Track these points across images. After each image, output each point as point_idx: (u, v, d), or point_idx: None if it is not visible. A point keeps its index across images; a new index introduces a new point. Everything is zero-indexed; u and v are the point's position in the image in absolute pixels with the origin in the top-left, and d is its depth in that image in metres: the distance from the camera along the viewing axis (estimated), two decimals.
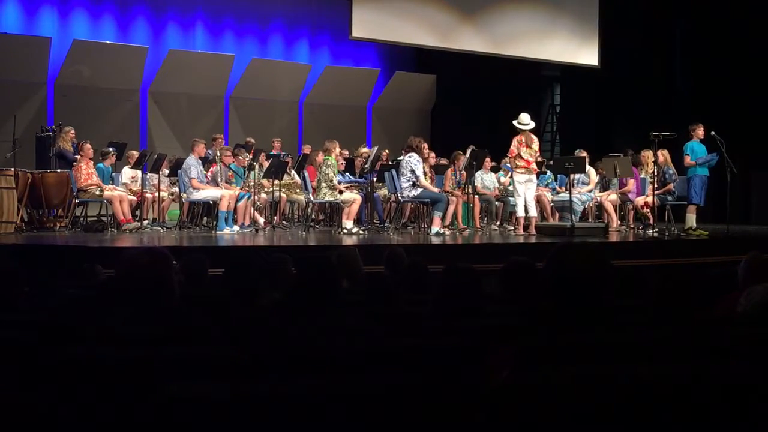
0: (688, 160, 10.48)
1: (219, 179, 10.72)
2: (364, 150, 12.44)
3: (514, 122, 10.35)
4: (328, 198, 10.42)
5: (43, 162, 10.90)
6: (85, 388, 2.19)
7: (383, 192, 11.66)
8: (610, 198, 11.55)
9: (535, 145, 10.38)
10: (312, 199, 10.72)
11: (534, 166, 10.41)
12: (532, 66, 16.67)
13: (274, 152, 12.65)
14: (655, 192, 10.54)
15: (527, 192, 10.29)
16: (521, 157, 10.20)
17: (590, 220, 12.04)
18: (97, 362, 2.29)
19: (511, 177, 10.76)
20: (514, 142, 10.23)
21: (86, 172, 10.25)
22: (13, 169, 9.54)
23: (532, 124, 10.44)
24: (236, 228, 10.16)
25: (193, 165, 10.33)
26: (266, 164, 11.16)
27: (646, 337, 2.69)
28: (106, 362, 2.30)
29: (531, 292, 3.66)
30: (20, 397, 1.89)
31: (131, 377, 2.23)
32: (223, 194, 10.08)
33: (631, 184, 11.45)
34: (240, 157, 11.16)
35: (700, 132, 10.56)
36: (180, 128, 14.54)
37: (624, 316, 3.23)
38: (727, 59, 14.12)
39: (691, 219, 10.51)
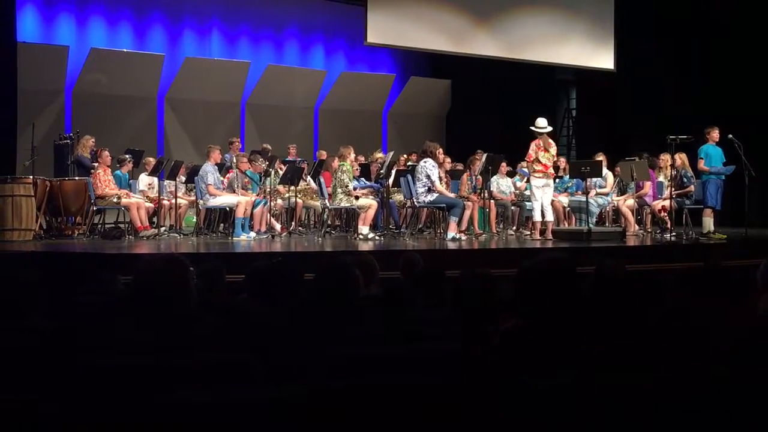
0: (702, 164, 10.43)
1: (235, 186, 10.76)
2: (379, 155, 12.44)
3: (531, 127, 10.32)
4: (344, 204, 10.43)
5: (61, 170, 10.98)
6: (99, 394, 2.20)
7: (399, 197, 11.66)
8: (627, 203, 11.46)
9: (553, 150, 10.33)
10: (328, 204, 10.73)
11: (552, 170, 10.37)
12: (547, 70, 16.65)
13: (289, 158, 12.69)
14: (674, 195, 10.47)
15: (544, 197, 10.25)
16: (539, 162, 10.15)
17: (607, 224, 12.00)
18: (112, 368, 2.31)
19: (528, 181, 10.72)
20: (532, 146, 10.19)
21: (105, 180, 10.32)
22: (31, 176, 9.62)
23: (550, 128, 10.41)
24: (253, 234, 10.19)
25: (209, 171, 10.38)
26: (282, 170, 11.19)
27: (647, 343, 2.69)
28: (121, 368, 2.31)
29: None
30: (35, 402, 1.90)
31: (146, 383, 2.24)
32: (239, 201, 10.11)
33: (648, 186, 11.39)
34: (256, 164, 11.19)
35: (715, 135, 10.52)
36: (196, 135, 14.61)
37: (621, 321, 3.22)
38: (743, 61, 14.04)
39: (709, 223, 10.45)
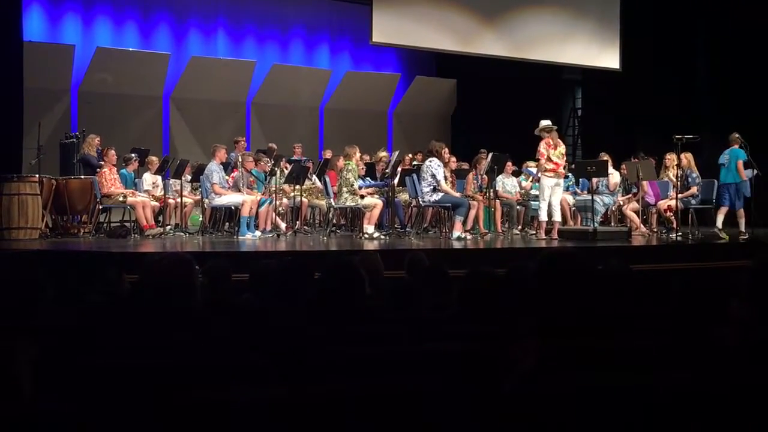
0: (741, 164, 10.52)
1: (241, 185, 10.77)
2: (383, 154, 12.45)
3: (536, 131, 10.29)
4: (350, 203, 10.43)
5: (67, 168, 11.01)
6: (106, 395, 2.20)
7: (404, 197, 11.66)
8: (631, 207, 11.39)
9: (562, 148, 10.27)
10: (333, 204, 10.74)
11: (562, 169, 10.29)
12: (553, 70, 16.63)
13: (295, 157, 12.70)
14: (679, 196, 10.46)
15: (553, 196, 10.17)
16: (550, 160, 10.08)
17: (612, 224, 11.98)
18: (118, 369, 2.31)
19: (538, 180, 10.69)
20: (543, 144, 10.09)
21: (110, 178, 10.35)
22: (37, 175, 9.65)
23: (555, 126, 10.38)
24: (258, 233, 10.20)
25: (214, 170, 10.39)
26: (287, 169, 11.20)
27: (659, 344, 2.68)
28: (126, 369, 2.31)
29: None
30: (41, 404, 1.90)
31: (152, 384, 2.25)
32: (244, 200, 10.12)
33: (645, 185, 11.30)
34: (261, 163, 11.20)
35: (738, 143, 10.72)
36: (202, 134, 14.62)
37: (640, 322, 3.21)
38: (749, 59, 14.00)
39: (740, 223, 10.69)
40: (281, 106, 15.73)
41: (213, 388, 2.03)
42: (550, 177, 10.10)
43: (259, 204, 10.40)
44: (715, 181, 10.96)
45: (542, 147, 10.07)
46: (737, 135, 10.73)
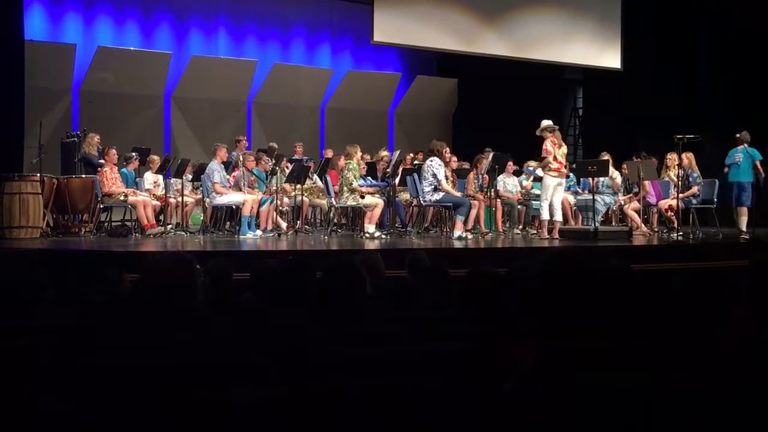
0: (758, 163, 10.58)
1: (242, 184, 10.78)
2: (385, 153, 12.44)
3: (538, 132, 10.26)
4: (351, 202, 10.43)
5: (68, 168, 11.02)
6: (106, 395, 2.21)
7: (405, 196, 11.66)
8: (632, 206, 11.38)
9: (564, 148, 10.25)
10: (334, 203, 10.74)
11: (564, 169, 10.27)
12: (554, 69, 16.62)
13: (296, 157, 12.70)
14: (680, 195, 10.46)
15: (555, 195, 10.14)
16: (555, 158, 10.06)
17: (613, 223, 11.97)
18: (118, 369, 2.31)
19: (538, 180, 10.65)
20: (548, 143, 10.05)
21: (112, 178, 10.36)
22: (38, 174, 9.66)
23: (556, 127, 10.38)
24: (259, 232, 10.20)
25: (215, 170, 10.40)
26: (288, 169, 11.21)
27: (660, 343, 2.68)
28: (126, 369, 2.31)
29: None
30: (41, 404, 1.90)
31: (152, 384, 2.25)
32: (245, 199, 10.13)
33: (646, 185, 11.29)
34: (262, 162, 11.21)
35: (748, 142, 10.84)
36: (203, 133, 14.63)
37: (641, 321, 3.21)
38: (750, 59, 13.99)
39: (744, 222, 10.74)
40: (282, 106, 15.73)
41: (213, 388, 2.03)
42: (554, 176, 10.07)
43: (260, 203, 10.41)
44: (716, 181, 10.95)
45: (548, 145, 10.02)
46: (742, 134, 10.73)
